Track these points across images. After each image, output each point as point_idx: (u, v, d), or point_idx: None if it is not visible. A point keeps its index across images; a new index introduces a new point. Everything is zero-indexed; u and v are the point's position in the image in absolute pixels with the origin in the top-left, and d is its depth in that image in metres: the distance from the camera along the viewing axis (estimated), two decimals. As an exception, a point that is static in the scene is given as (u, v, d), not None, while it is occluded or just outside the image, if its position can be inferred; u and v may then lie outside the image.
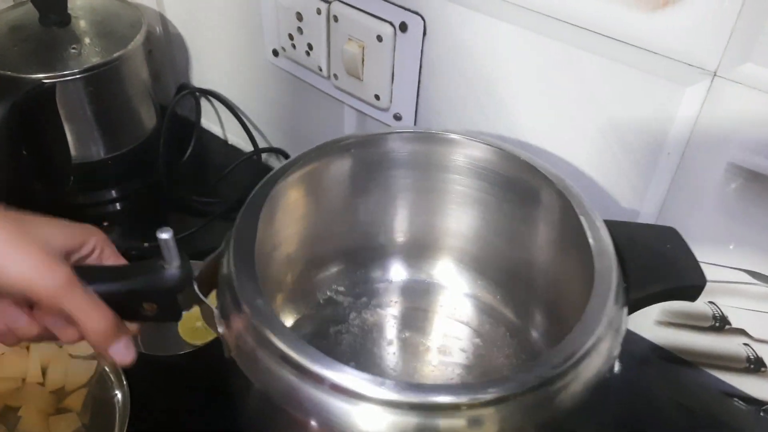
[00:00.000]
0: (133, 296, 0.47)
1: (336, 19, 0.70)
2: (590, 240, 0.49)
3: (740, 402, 0.65)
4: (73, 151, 0.82)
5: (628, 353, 0.69)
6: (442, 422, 0.39)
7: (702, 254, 0.60)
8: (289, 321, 0.65)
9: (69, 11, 0.82)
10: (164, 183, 0.88)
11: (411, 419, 0.39)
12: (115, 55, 0.80)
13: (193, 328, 0.71)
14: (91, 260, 0.49)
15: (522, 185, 0.58)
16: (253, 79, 0.89)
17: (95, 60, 0.79)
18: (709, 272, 0.60)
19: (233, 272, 0.47)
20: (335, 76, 0.75)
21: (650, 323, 0.67)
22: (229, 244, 0.49)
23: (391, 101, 0.72)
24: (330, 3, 0.70)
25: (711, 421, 0.65)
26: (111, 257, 0.50)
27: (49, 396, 0.66)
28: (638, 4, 0.53)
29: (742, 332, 0.62)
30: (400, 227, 0.68)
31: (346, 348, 0.64)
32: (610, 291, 0.45)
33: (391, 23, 0.67)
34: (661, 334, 0.68)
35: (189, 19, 0.93)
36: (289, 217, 0.60)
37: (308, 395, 0.40)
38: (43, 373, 0.68)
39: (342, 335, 0.65)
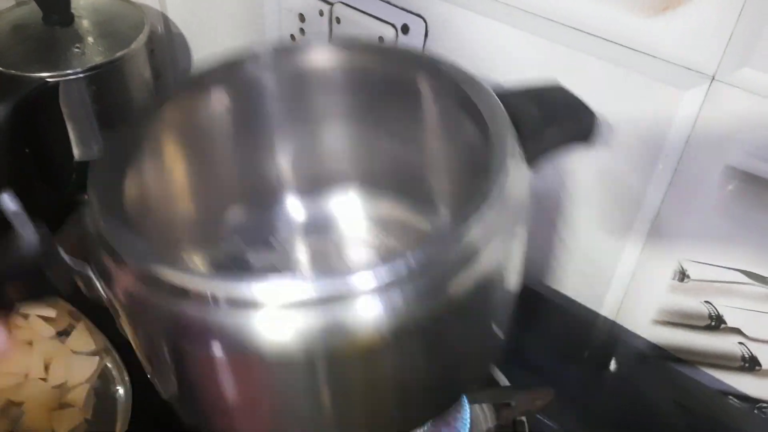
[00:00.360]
0: None
1: (338, 20, 0.71)
2: (480, 108, 0.47)
3: (735, 400, 0.66)
4: (74, 150, 0.82)
5: (626, 351, 0.71)
6: (333, 312, 0.37)
7: (699, 254, 0.61)
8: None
9: (72, 11, 0.82)
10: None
11: (317, 313, 0.37)
12: (118, 54, 0.80)
13: (194, 325, 0.72)
14: None
15: (398, 78, 0.54)
16: (254, 79, 0.89)
17: (98, 59, 0.79)
18: (705, 272, 0.62)
19: (98, 220, 0.41)
20: (337, 77, 0.76)
21: (647, 322, 0.69)
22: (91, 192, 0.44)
23: (392, 102, 0.73)
24: (332, 5, 0.71)
25: (706, 418, 0.65)
26: None
27: (51, 391, 0.67)
28: (639, 9, 0.54)
29: (737, 331, 0.63)
30: (287, 160, 0.62)
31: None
32: (507, 145, 0.44)
33: (393, 25, 0.68)
34: (658, 332, 0.69)
35: (191, 19, 0.93)
36: (166, 174, 0.54)
37: (195, 316, 0.37)
38: (46, 368, 0.69)
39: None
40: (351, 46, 0.55)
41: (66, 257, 0.43)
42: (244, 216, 0.62)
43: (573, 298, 0.73)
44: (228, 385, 0.42)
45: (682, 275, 0.63)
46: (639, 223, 0.63)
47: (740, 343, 0.63)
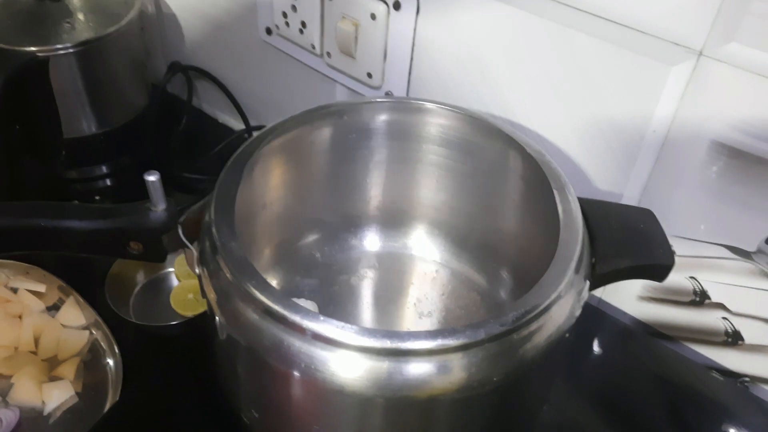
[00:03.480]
0: (119, 234, 0.51)
1: (330, -3, 0.71)
2: (560, 212, 0.50)
3: (718, 374, 0.67)
4: (64, 126, 0.82)
5: (613, 328, 0.71)
6: (410, 367, 0.41)
7: (684, 230, 0.62)
8: (271, 283, 0.66)
9: (62, -14, 0.82)
10: (154, 160, 0.88)
11: (382, 364, 0.41)
12: (109, 30, 0.80)
13: (185, 300, 0.72)
14: None
15: (497, 155, 0.59)
16: (245, 57, 0.89)
17: (88, 35, 0.79)
18: (690, 247, 0.62)
19: (213, 219, 0.48)
20: (328, 54, 0.76)
21: (633, 298, 0.69)
22: (213, 195, 0.51)
23: (383, 79, 0.73)
24: (324, -19, 0.71)
25: (690, 393, 0.66)
26: None
27: (41, 364, 0.67)
28: (628, -16, 0.54)
29: (721, 306, 0.64)
30: (376, 196, 0.69)
31: (321, 310, 0.65)
32: (573, 256, 0.47)
33: (384, 1, 0.68)
34: (643, 309, 0.69)
35: (182, -2, 0.93)
36: (271, 181, 0.61)
37: (286, 341, 0.42)
38: (36, 342, 0.69)
39: (318, 297, 0.67)
40: (459, 111, 0.61)
41: (181, 233, 0.51)
42: (324, 238, 0.69)
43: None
44: (290, 400, 0.46)
45: (668, 251, 0.64)
46: (626, 199, 0.63)
47: (724, 318, 0.64)
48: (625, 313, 0.71)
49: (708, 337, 0.66)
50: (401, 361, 0.41)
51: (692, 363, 0.68)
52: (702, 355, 0.68)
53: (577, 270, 0.46)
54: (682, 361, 0.68)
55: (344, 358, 0.41)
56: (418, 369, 0.41)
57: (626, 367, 0.69)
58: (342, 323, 0.40)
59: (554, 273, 0.45)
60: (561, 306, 0.44)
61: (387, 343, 0.40)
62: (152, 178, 0.48)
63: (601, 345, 0.71)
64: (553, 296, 0.44)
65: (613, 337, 0.71)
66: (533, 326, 0.43)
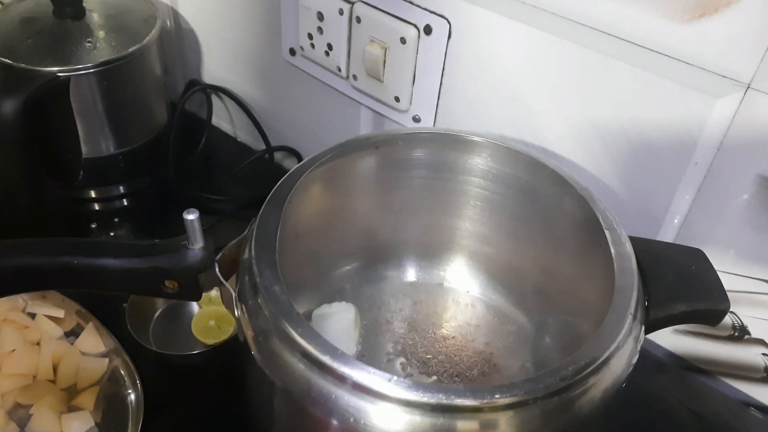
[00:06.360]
0: (155, 273, 0.49)
1: (359, 20, 0.70)
2: (613, 254, 0.49)
3: (757, 411, 0.65)
4: (83, 146, 0.80)
5: (645, 361, 0.70)
6: (459, 424, 0.39)
7: (724, 264, 0.60)
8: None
9: (83, 5, 0.81)
10: (173, 180, 0.87)
11: (428, 420, 0.39)
12: (131, 49, 0.79)
13: (206, 327, 0.71)
14: None
15: (545, 193, 0.58)
16: (267, 76, 0.88)
17: (110, 54, 0.78)
18: (730, 282, 0.60)
19: (254, 258, 0.47)
20: (354, 76, 0.75)
21: (668, 331, 0.67)
22: (252, 231, 0.50)
23: (411, 103, 0.72)
24: (353, 4, 0.70)
25: (726, 430, 0.65)
26: None
27: (60, 393, 0.66)
28: (673, 15, 0.53)
29: (761, 342, 0.62)
30: (417, 227, 0.68)
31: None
32: (630, 303, 0.46)
33: (415, 26, 0.67)
34: (679, 342, 0.68)
35: (202, 15, 0.92)
36: (306, 212, 0.60)
37: (326, 389, 0.41)
38: (54, 370, 0.67)
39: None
40: (504, 144, 0.60)
41: (218, 272, 0.49)
42: (359, 269, 0.68)
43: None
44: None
45: (707, 285, 0.62)
46: (665, 230, 0.62)
47: (764, 354, 0.63)
48: (658, 346, 0.69)
49: (747, 372, 0.65)
50: (452, 418, 0.39)
51: (729, 399, 0.66)
52: (740, 391, 0.66)
53: (634, 317, 0.45)
54: (718, 397, 0.67)
55: (388, 411, 0.39)
56: (467, 427, 0.39)
57: (659, 401, 0.67)
58: (390, 375, 0.39)
59: (612, 321, 0.43)
60: (619, 357, 0.43)
61: (441, 399, 0.38)
62: (191, 216, 0.47)
63: (632, 378, 0.69)
64: (613, 347, 0.42)
65: (645, 371, 0.69)
66: (591, 380, 0.41)
